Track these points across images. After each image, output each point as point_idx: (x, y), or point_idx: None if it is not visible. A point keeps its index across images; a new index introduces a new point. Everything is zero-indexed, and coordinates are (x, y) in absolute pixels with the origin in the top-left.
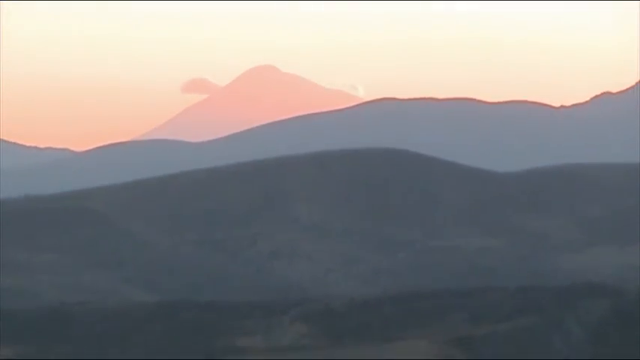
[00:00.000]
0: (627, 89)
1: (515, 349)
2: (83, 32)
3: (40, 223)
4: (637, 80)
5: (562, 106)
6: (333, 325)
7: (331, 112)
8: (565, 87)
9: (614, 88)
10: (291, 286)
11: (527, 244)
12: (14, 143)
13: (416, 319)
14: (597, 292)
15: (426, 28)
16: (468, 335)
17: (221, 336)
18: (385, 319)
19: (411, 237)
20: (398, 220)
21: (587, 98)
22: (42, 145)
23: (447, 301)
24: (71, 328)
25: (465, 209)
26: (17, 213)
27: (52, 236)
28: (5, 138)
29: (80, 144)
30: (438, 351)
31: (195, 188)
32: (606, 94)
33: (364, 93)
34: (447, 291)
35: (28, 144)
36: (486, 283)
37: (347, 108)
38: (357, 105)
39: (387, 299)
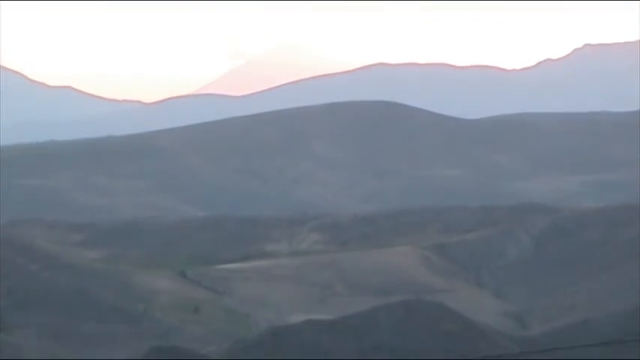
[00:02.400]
0: (564, 57)
1: (477, 253)
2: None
3: (119, 157)
4: (572, 49)
5: (514, 70)
6: (339, 234)
7: (340, 73)
8: (516, 53)
9: (554, 55)
10: (308, 205)
11: (486, 173)
12: (99, 96)
13: (402, 230)
14: (540, 210)
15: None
16: (442, 242)
17: (255, 242)
18: (379, 230)
19: (398, 168)
20: (389, 154)
21: (534, 63)
22: (120, 98)
23: (425, 217)
24: (142, 237)
25: (440, 146)
26: (101, 149)
27: (128, 167)
28: (92, 92)
29: (149, 97)
30: (419, 254)
31: (236, 130)
32: (548, 61)
33: (362, 59)
34: (426, 209)
35: (109, 97)
36: (456, 203)
37: (350, 70)
38: (358, 68)
39: (381, 215)
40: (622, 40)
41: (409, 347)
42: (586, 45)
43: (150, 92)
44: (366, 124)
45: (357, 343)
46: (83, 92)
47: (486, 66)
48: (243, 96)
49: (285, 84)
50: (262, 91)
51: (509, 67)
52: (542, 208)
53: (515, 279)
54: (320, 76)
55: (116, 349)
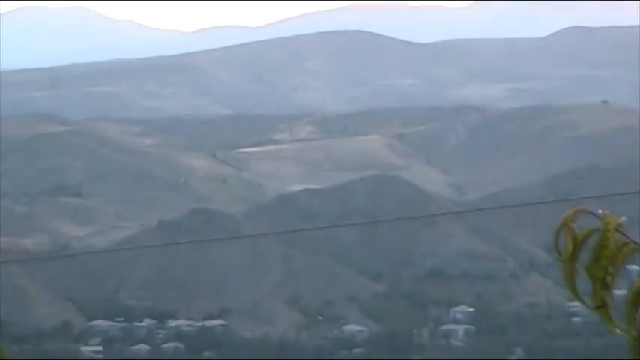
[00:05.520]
0: None
1: (428, 141)
2: None
3: (167, 71)
4: None
5: (456, 7)
6: (328, 127)
7: (327, 10)
8: None
9: None
10: (305, 105)
11: (435, 82)
12: (152, 27)
13: (372, 124)
14: (473, 110)
15: None
16: (402, 133)
17: (266, 133)
18: (356, 124)
19: (369, 78)
20: (363, 68)
21: (470, 3)
22: (168, 28)
23: (389, 115)
24: (184, 129)
25: (401, 63)
26: (154, 66)
27: (173, 78)
28: (148, 24)
29: (190, 27)
30: (385, 141)
31: (254, 52)
32: (480, 1)
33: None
34: (390, 108)
35: (160, 27)
36: (411, 104)
37: (334, 9)
38: (341, 7)
39: (357, 113)
40: None
41: (378, 210)
42: None
43: (190, 23)
44: (347, 47)
45: (340, 207)
46: (141, 24)
47: (435, 6)
48: (258, 26)
49: (288, 18)
50: (271, 23)
51: (452, 7)
52: (475, 108)
53: (455, 160)
54: (312, 12)
55: (164, 210)
